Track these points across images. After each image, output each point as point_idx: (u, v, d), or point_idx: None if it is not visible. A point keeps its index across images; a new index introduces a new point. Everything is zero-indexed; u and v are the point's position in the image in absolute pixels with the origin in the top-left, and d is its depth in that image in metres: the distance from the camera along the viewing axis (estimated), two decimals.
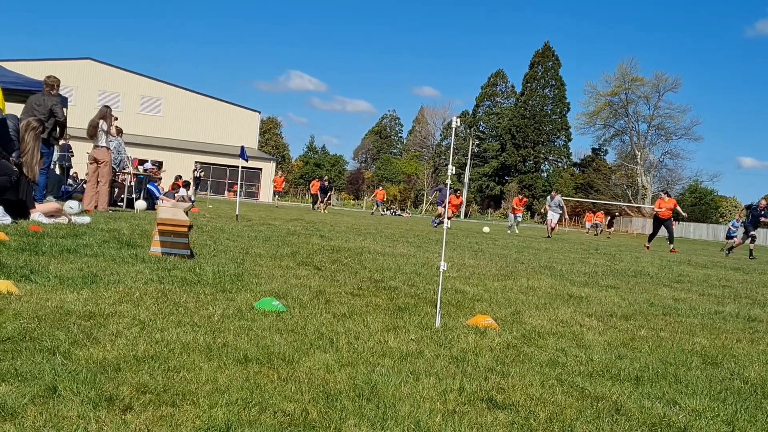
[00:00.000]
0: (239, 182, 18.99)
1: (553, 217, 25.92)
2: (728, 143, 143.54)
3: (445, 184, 25.07)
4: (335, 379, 2.87)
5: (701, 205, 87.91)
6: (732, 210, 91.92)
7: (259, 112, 69.78)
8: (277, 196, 45.42)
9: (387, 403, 2.60)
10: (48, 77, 12.61)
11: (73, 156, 23.24)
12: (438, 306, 4.38)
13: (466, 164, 78.67)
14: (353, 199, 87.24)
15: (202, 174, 26.86)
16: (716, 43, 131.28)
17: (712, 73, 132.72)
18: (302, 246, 9.16)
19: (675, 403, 2.99)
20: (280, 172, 47.01)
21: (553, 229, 26.34)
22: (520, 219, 31.71)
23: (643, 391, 3.15)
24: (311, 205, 40.89)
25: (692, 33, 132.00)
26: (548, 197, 26.89)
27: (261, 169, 63.85)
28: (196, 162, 27.10)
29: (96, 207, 12.93)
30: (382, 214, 42.91)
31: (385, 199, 49.57)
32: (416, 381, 2.95)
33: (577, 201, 79.33)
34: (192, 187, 28.99)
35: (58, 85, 12.41)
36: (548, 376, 3.25)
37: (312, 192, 40.09)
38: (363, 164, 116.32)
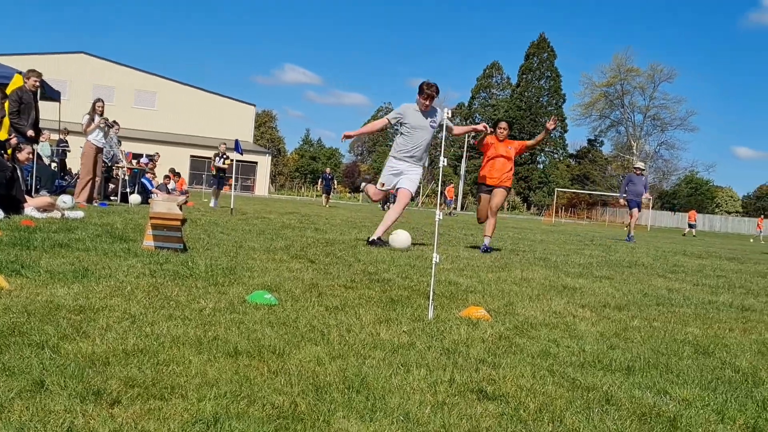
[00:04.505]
0: (234, 176, 18.97)
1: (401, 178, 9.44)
2: (723, 133, 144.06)
3: (638, 172, 19.90)
4: (325, 372, 2.86)
5: (697, 196, 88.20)
6: (728, 200, 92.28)
7: (254, 106, 69.90)
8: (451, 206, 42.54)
9: (376, 395, 2.59)
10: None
11: (69, 151, 23.17)
12: (431, 298, 4.37)
13: (462, 156, 78.52)
14: (349, 193, 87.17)
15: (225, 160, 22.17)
16: (711, 34, 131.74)
17: (707, 64, 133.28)
18: (296, 239, 9.15)
19: (665, 392, 2.99)
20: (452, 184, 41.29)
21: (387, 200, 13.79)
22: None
23: (634, 381, 3.14)
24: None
25: (687, 24, 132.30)
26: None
27: (256, 163, 63.94)
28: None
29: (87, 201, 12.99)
30: (451, 214, 41.23)
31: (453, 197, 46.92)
32: (407, 373, 2.95)
33: (574, 192, 79.43)
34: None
35: (28, 78, 12.28)
36: (539, 367, 3.24)
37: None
38: (359, 157, 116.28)
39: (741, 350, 4.11)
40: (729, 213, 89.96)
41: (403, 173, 9.41)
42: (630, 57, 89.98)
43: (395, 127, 9.59)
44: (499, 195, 10.36)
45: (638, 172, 19.92)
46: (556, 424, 2.47)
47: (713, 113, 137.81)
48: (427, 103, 9.26)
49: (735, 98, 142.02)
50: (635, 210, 19.48)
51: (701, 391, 3.05)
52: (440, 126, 9.45)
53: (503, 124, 10.57)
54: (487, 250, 10.06)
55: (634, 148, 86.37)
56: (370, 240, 9.29)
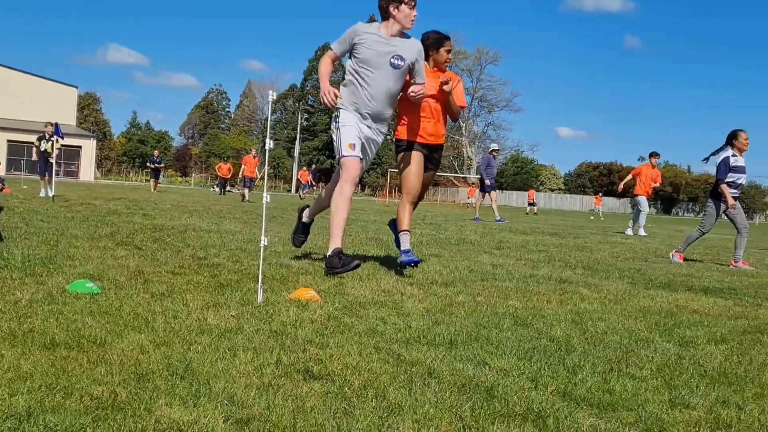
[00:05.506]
0: (56, 161, 18.10)
1: None
2: (546, 114, 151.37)
3: (495, 154, 21.54)
4: (149, 360, 2.80)
5: (522, 174, 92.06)
6: (551, 178, 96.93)
7: (76, 87, 66.78)
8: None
9: (201, 381, 2.56)
10: None
11: None
12: (260, 281, 4.35)
13: (295, 138, 78.25)
14: (180, 176, 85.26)
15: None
16: (532, 18, 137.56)
17: (530, 46, 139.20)
18: (123, 225, 8.86)
19: (485, 363, 3.12)
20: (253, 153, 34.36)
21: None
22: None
23: (456, 354, 3.26)
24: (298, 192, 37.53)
25: (510, 6, 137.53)
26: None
27: (80, 147, 61.25)
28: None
29: None
30: (302, 197, 39.82)
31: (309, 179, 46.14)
32: (233, 357, 2.93)
33: None
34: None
35: None
36: (366, 345, 3.30)
37: (303, 181, 36.74)
38: (190, 140, 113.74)
39: (557, 320, 4.35)
40: (552, 190, 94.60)
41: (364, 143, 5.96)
42: (457, 40, 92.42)
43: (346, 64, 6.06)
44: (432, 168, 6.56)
45: (495, 155, 21.30)
46: (379, 400, 2.53)
47: (537, 95, 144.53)
48: (413, 15, 5.82)
49: (556, 80, 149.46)
50: (494, 192, 20.83)
51: (518, 360, 3.21)
52: (411, 69, 5.92)
53: (449, 44, 6.37)
54: (413, 260, 6.06)
55: (463, 129, 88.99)
56: (328, 256, 5.58)
